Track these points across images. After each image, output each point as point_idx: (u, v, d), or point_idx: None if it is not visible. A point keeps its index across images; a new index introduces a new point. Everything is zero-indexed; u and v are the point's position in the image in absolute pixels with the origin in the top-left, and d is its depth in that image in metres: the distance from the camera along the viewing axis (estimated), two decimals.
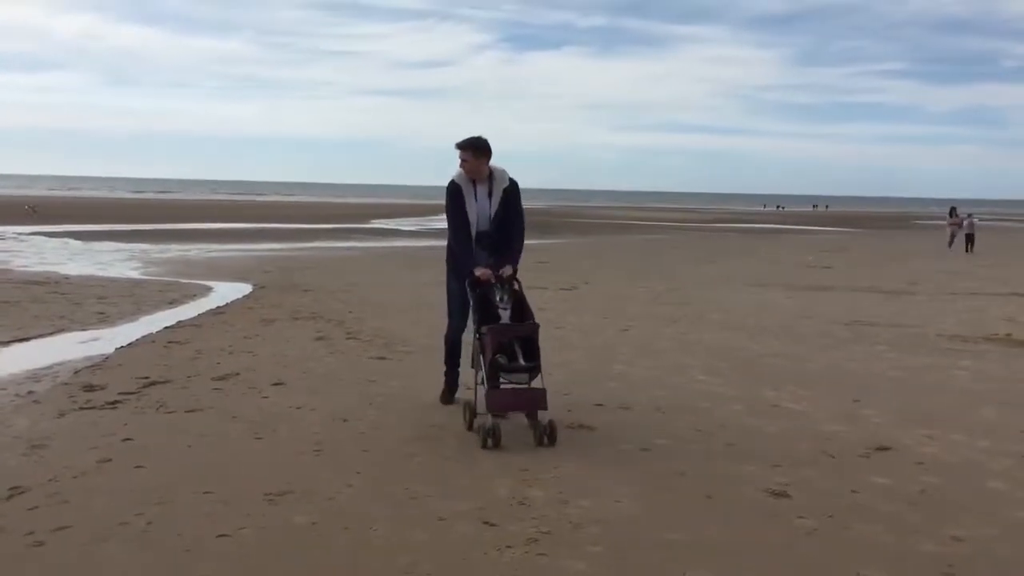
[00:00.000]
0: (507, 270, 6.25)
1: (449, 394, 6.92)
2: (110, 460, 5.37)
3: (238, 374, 7.92)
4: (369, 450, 5.67)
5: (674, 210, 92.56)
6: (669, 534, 4.32)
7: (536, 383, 5.89)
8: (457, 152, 6.34)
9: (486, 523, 4.42)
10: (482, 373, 5.94)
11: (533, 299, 6.60)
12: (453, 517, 4.50)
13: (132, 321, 11.47)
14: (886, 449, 5.81)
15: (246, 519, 4.43)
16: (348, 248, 28.35)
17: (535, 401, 5.83)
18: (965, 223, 32.80)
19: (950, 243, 32.68)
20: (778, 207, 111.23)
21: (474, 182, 6.34)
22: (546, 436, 5.72)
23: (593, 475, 5.18)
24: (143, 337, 10.02)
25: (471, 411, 6.11)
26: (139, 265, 20.25)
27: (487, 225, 6.38)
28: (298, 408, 6.71)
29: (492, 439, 5.68)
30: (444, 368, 6.96)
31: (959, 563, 4.03)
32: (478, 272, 6.16)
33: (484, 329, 5.93)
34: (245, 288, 15.46)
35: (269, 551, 4.08)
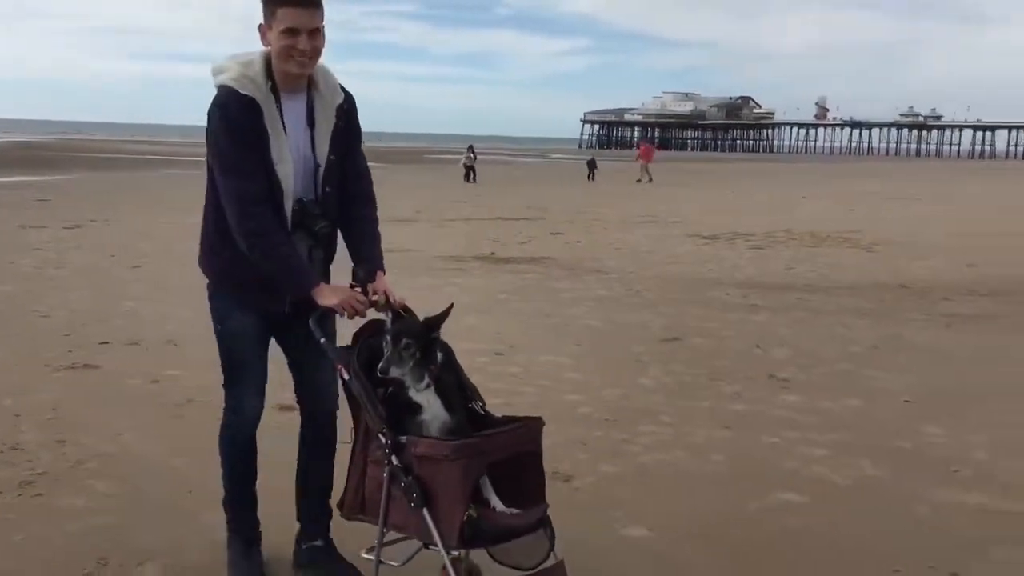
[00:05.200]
0: (380, 285, 3.02)
1: (246, 562, 3.22)
2: None
3: None
4: None
5: (195, 144, 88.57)
6: (175, 460, 4.44)
7: (547, 552, 2.79)
8: (259, 19, 2.88)
9: None
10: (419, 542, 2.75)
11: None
12: None
13: None
14: None
15: None
16: None
17: None
18: (464, 157, 36.13)
19: (468, 176, 35.10)
20: None
21: (276, 93, 2.94)
22: None
23: (95, 413, 5.10)
24: None
25: None
26: None
27: (309, 185, 3.04)
28: None
29: None
30: (226, 508, 3.32)
31: None
32: (332, 300, 2.90)
33: (443, 447, 2.66)
34: None
35: None
